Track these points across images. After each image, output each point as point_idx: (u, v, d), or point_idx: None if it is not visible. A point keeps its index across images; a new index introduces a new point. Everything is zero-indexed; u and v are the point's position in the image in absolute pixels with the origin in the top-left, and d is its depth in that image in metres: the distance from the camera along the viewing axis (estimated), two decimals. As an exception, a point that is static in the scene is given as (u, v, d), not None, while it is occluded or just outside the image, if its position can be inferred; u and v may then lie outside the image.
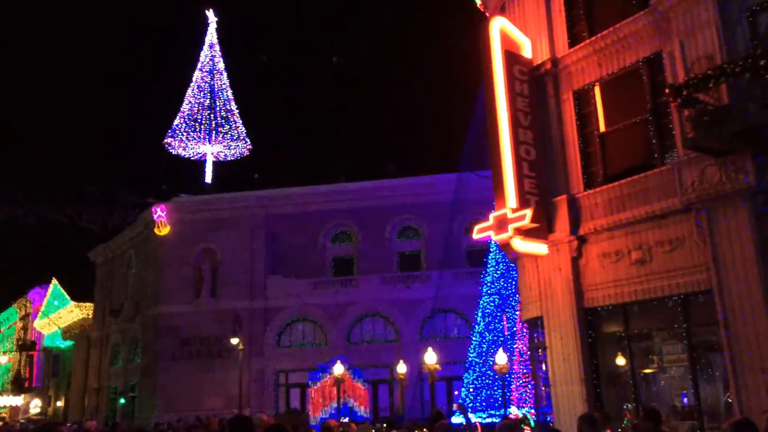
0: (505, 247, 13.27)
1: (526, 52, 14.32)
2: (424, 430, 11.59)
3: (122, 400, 37.27)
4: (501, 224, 12.86)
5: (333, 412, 23.37)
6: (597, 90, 13.31)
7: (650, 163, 12.04)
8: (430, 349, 23.61)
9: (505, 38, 13.90)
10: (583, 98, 13.55)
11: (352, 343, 32.72)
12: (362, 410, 24.49)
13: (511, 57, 13.80)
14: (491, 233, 13.13)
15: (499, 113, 13.42)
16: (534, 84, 13.98)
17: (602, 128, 13.15)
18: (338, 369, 24.62)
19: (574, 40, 13.87)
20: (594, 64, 13.18)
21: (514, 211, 12.75)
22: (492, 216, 13.17)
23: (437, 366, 23.27)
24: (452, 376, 31.14)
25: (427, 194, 34.05)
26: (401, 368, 28.02)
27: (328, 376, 25.06)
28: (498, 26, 13.86)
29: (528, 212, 12.53)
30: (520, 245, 12.90)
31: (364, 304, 32.94)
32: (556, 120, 13.71)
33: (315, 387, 25.32)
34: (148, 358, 34.70)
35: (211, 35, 44.01)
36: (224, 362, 31.95)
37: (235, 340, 29.70)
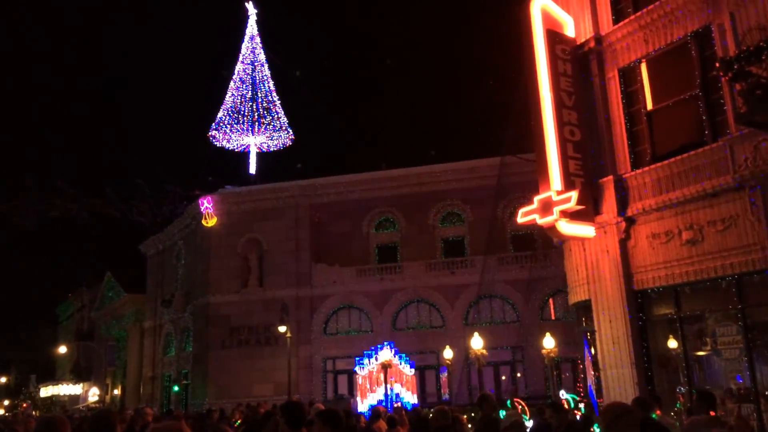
0: (550, 231, 13.09)
1: (569, 30, 14.03)
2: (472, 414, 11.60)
3: (176, 388, 38.30)
4: (546, 207, 12.69)
5: (381, 398, 23.52)
6: (643, 67, 12.96)
7: (700, 140, 11.70)
8: (476, 334, 23.54)
9: (547, 17, 13.64)
10: (628, 76, 13.22)
11: (397, 329, 32.87)
12: (410, 396, 24.56)
13: (554, 36, 13.54)
14: (536, 217, 12.97)
15: (542, 94, 13.21)
16: (577, 63, 13.70)
17: (649, 106, 12.82)
18: (385, 355, 24.74)
19: (618, 16, 13.52)
20: (640, 41, 12.83)
21: (559, 193, 12.56)
22: (536, 199, 13.00)
23: (484, 351, 23.19)
24: (499, 362, 31.06)
25: (470, 179, 33.84)
26: (447, 354, 28.06)
27: (375, 362, 25.18)
28: (539, 5, 13.62)
29: (574, 194, 12.32)
30: (566, 228, 12.71)
31: (409, 290, 33.03)
32: (601, 99, 13.42)
33: (362, 373, 25.48)
34: (199, 347, 35.55)
35: (252, 27, 44.43)
36: (272, 350, 32.50)
37: (282, 328, 30.16)
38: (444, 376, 31.22)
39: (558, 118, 13.01)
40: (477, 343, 23.96)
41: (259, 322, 33.53)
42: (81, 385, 55.86)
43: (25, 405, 55.84)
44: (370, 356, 26.11)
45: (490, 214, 31.11)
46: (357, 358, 28.56)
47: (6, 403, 72.37)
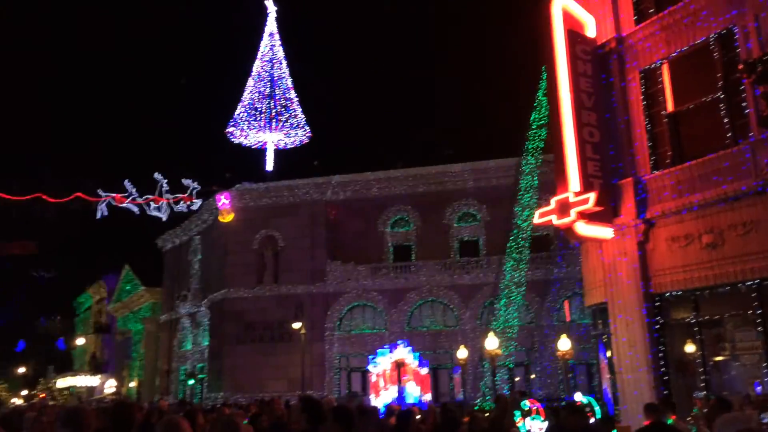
0: (567, 232, 13.02)
1: (590, 30, 13.93)
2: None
3: (191, 381, 38.58)
4: (563, 208, 12.62)
5: (396, 396, 23.56)
6: (665, 68, 12.85)
7: (722, 143, 11.58)
8: (491, 334, 23.44)
9: (568, 17, 13.56)
10: (650, 77, 13.10)
11: (411, 328, 32.87)
12: (423, 395, 24.57)
13: (574, 36, 13.45)
14: (553, 218, 12.90)
15: (561, 95, 13.13)
16: (598, 64, 13.60)
17: (670, 108, 12.70)
18: (398, 353, 24.79)
19: (640, 16, 13.41)
20: (662, 42, 12.72)
21: (577, 194, 12.48)
22: (554, 200, 12.93)
23: (498, 351, 23.11)
24: (512, 362, 30.93)
25: (487, 179, 33.71)
26: (461, 353, 27.99)
27: (389, 360, 25.22)
28: (560, 5, 13.53)
29: (592, 195, 12.25)
30: (584, 229, 12.63)
31: (423, 289, 33.00)
32: (621, 100, 13.32)
33: (375, 371, 25.54)
34: (215, 342, 35.78)
35: (271, 25, 44.57)
36: (286, 346, 32.61)
37: (296, 325, 30.28)
38: (457, 375, 31.16)
39: (577, 118, 12.93)
40: (491, 343, 23.87)
41: (274, 318, 33.66)
42: (98, 376, 56.44)
43: (42, 395, 56.54)
44: (383, 354, 26.18)
45: (507, 214, 30.97)
46: (370, 356, 28.65)
47: (24, 393, 73.28)
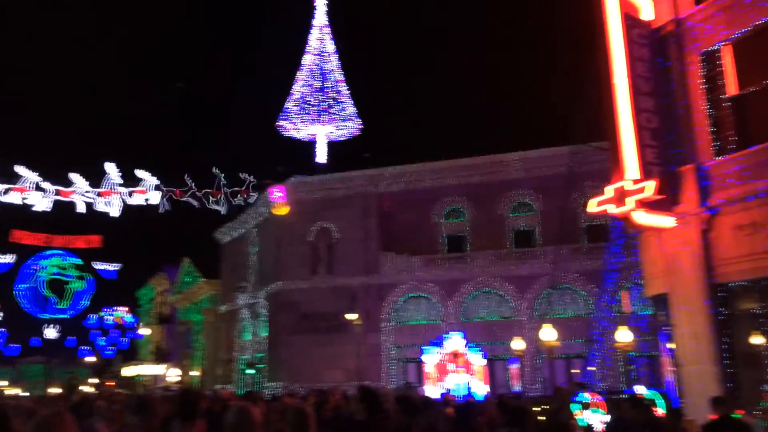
0: (625, 221, 12.71)
1: (646, 13, 13.52)
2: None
3: (251, 371, 39.47)
4: (620, 197, 12.33)
5: (451, 387, 23.54)
6: (726, 50, 12.36)
7: (790, 126, 11.09)
8: (548, 326, 23.16)
9: (623, 1, 13.19)
10: (710, 60, 12.64)
11: (467, 318, 32.78)
12: (479, 386, 24.47)
13: (630, 20, 13.09)
14: (609, 207, 12.62)
15: (616, 81, 12.81)
16: (655, 47, 13.20)
17: (733, 91, 12.22)
18: (454, 344, 24.75)
19: (699, -3, 12.94)
20: (723, 23, 12.24)
21: (635, 182, 12.17)
22: (610, 189, 12.64)
23: (556, 343, 22.82)
24: (571, 354, 30.49)
25: (541, 168, 33.22)
26: (517, 345, 27.77)
27: (444, 351, 25.21)
28: (615, -11, 13.17)
29: (651, 183, 11.92)
30: (643, 218, 12.31)
31: (478, 280, 32.84)
32: (679, 84, 12.90)
33: (431, 362, 25.57)
34: (272, 332, 36.51)
35: (320, 18, 44.86)
36: (342, 337, 32.99)
37: (351, 316, 30.60)
38: (514, 367, 30.91)
39: (635, 105, 12.59)
40: (548, 335, 23.59)
41: (329, 309, 34.07)
42: (162, 365, 58.38)
43: (110, 383, 58.89)
44: (438, 345, 26.17)
45: (562, 203, 30.44)
46: (425, 347, 28.72)
47: (93, 381, 76.36)
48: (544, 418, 10.92)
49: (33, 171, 23.29)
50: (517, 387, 29.61)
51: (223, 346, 44.72)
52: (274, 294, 36.41)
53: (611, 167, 12.91)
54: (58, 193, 23.95)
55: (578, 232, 32.48)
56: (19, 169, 23.06)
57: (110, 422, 5.82)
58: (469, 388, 24.02)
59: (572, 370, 30.67)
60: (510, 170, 33.85)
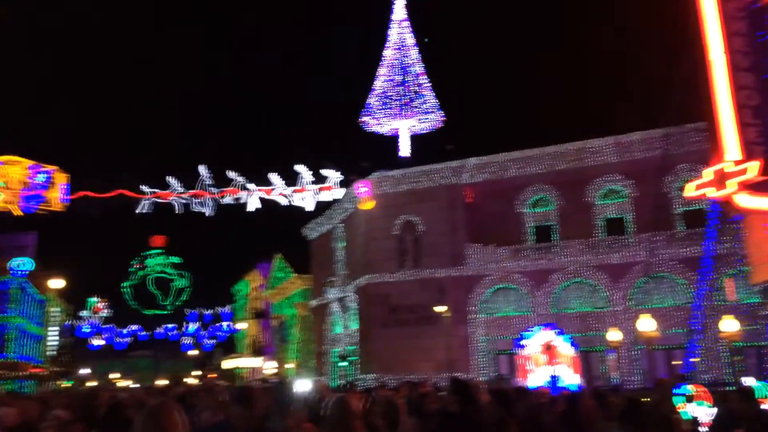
0: (727, 205, 12.07)
1: (744, -15, 12.74)
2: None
3: (343, 363, 40.28)
4: (721, 179, 11.72)
5: (546, 380, 23.14)
6: (837, 17, 11.48)
7: None
8: (646, 315, 22.33)
9: (717, -27, 12.49)
10: (817, 29, 11.77)
11: (558, 310, 32.09)
12: (573, 378, 23.92)
13: (726, -7, 12.39)
14: (709, 190, 12.02)
15: (712, 57, 12.17)
16: (753, 21, 12.42)
17: None
18: (546, 336, 24.30)
19: (803, -37, 12.06)
20: (831, -12, 11.37)
21: (736, 163, 11.54)
22: (709, 171, 12.04)
23: (655, 333, 21.97)
24: (670, 345, 29.30)
25: (632, 152, 32.01)
26: (613, 336, 26.96)
27: (536, 343, 24.81)
28: (708, -39, 12.50)
29: (755, 164, 11.27)
30: (746, 201, 11.65)
31: (568, 270, 32.07)
32: (784, 58, 12.08)
33: (523, 354, 25.23)
34: (362, 325, 37.08)
35: (399, 11, 44.93)
36: (431, 329, 33.05)
37: (440, 308, 30.59)
38: (610, 359, 30.01)
39: (733, 82, 11.93)
40: (646, 325, 22.74)
41: (417, 302, 34.22)
42: (259, 358, 60.57)
43: (212, 375, 61.73)
44: (530, 337, 25.79)
45: (655, 189, 29.19)
46: (516, 339, 28.36)
47: (196, 373, 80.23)
48: (645, 411, 10.56)
49: (133, 175, 24.72)
50: (614, 379, 28.76)
51: (315, 339, 45.84)
52: (363, 288, 36.95)
53: (710, 149, 12.29)
54: (157, 195, 25.33)
55: (673, 217, 31.12)
56: (122, 174, 24.56)
57: (214, 412, 6.15)
58: (562, 380, 23.53)
59: (673, 362, 29.45)
60: (599, 156, 32.78)
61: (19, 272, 49.11)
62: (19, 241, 56.40)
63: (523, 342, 26.06)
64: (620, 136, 32.37)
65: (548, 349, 24.60)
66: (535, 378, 23.83)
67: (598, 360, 31.07)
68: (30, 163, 23.23)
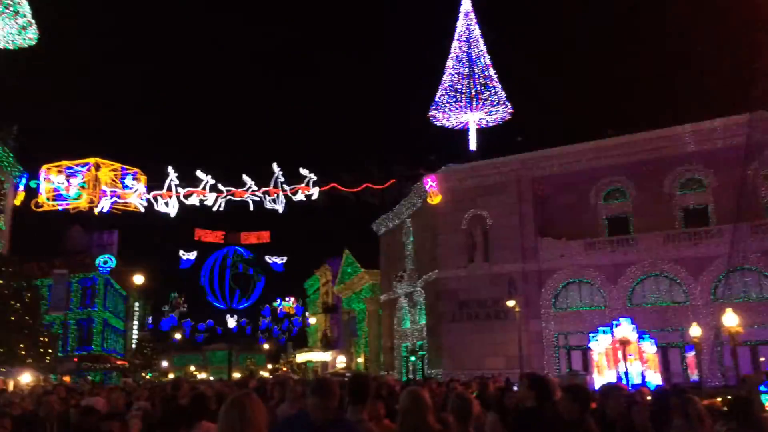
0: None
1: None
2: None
3: (413, 358, 40.39)
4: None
5: (620, 375, 22.48)
6: None
7: None
8: (729, 310, 21.36)
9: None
10: None
11: (634, 304, 31.09)
12: (652, 375, 23.14)
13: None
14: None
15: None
16: None
17: None
18: (622, 331, 23.58)
19: None
20: None
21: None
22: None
23: (739, 329, 21.00)
24: (755, 341, 27.95)
25: (712, 140, 30.66)
26: (694, 331, 25.95)
27: (611, 338, 24.11)
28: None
29: None
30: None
31: (645, 263, 31.01)
32: None
33: (597, 350, 24.58)
34: (432, 320, 37.02)
35: (466, 4, 44.51)
36: (502, 324, 32.63)
37: (511, 303, 30.15)
38: (690, 355, 28.87)
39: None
40: (730, 320, 21.74)
41: (487, 297, 33.88)
42: (329, 352, 61.51)
43: (285, 369, 63.15)
44: (605, 332, 25.12)
45: (739, 177, 27.81)
46: (590, 334, 27.69)
47: (269, 366, 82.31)
48: (728, 410, 10.10)
49: (209, 174, 25.50)
50: (694, 376, 27.69)
51: (385, 334, 46.12)
52: (432, 282, 36.87)
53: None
54: (232, 193, 26.06)
55: (759, 207, 29.52)
56: (198, 173, 25.38)
57: (291, 404, 6.28)
58: (640, 377, 22.82)
59: (760, 359, 28.09)
60: (677, 145, 31.53)
61: (104, 269, 51.65)
62: (103, 240, 59.35)
63: (597, 337, 25.40)
64: (699, 123, 31.04)
65: (624, 345, 23.87)
66: (611, 375, 23.19)
67: (677, 357, 29.96)
68: (117, 165, 24.36)
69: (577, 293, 33.10)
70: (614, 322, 25.65)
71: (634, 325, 24.59)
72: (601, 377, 23.22)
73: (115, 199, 24.74)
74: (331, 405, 4.13)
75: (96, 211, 24.62)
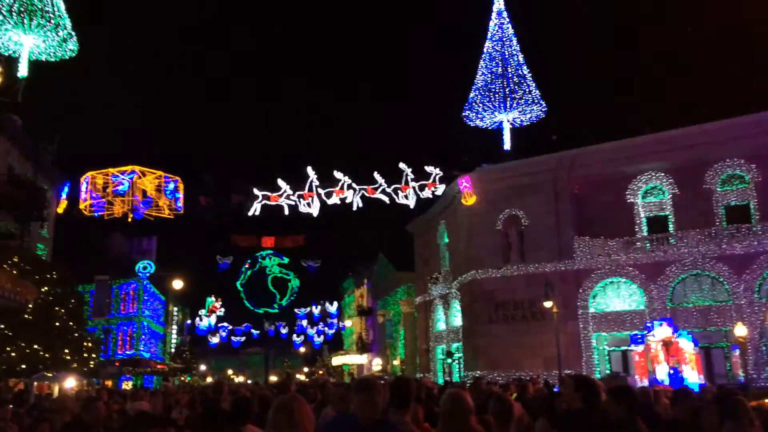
0: None
1: None
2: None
3: (449, 360, 40.19)
4: None
5: (664, 377, 22.03)
6: None
7: None
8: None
9: None
10: None
11: (675, 304, 30.43)
12: (694, 376, 22.63)
13: None
14: None
15: None
16: None
17: None
18: (663, 332, 23.12)
19: None
20: None
21: None
22: None
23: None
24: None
25: (754, 135, 29.84)
26: (740, 331, 25.31)
27: (652, 339, 23.64)
28: None
29: None
30: None
31: (685, 262, 30.35)
32: None
33: (638, 350, 24.13)
34: (468, 322, 36.78)
35: (498, 3, 44.17)
36: (539, 325, 32.25)
37: (548, 304, 29.78)
38: (735, 355, 28.14)
39: None
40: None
41: (524, 298, 33.53)
42: (365, 355, 61.59)
43: (321, 372, 63.45)
44: (645, 333, 24.67)
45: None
46: (630, 335, 27.19)
47: (305, 369, 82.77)
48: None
49: (244, 178, 25.88)
50: (740, 376, 26.98)
51: (420, 336, 46.01)
52: (467, 284, 36.64)
53: None
54: (267, 198, 26.34)
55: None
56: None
57: (335, 406, 6.30)
58: (682, 378, 22.34)
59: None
60: (717, 140, 30.75)
61: (143, 274, 52.66)
62: (142, 246, 60.55)
63: (638, 338, 24.96)
64: (741, 117, 30.26)
65: (665, 345, 23.41)
66: (652, 376, 22.75)
67: (720, 357, 29.26)
68: (160, 173, 24.88)
69: (616, 293, 32.57)
70: (655, 322, 25.18)
71: (674, 325, 24.08)
72: (644, 379, 22.78)
73: (152, 205, 25.21)
74: (378, 401, 4.13)
75: (129, 217, 25.14)
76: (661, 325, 23.87)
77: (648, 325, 25.34)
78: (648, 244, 31.67)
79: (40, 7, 33.08)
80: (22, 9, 32.57)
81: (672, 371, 22.51)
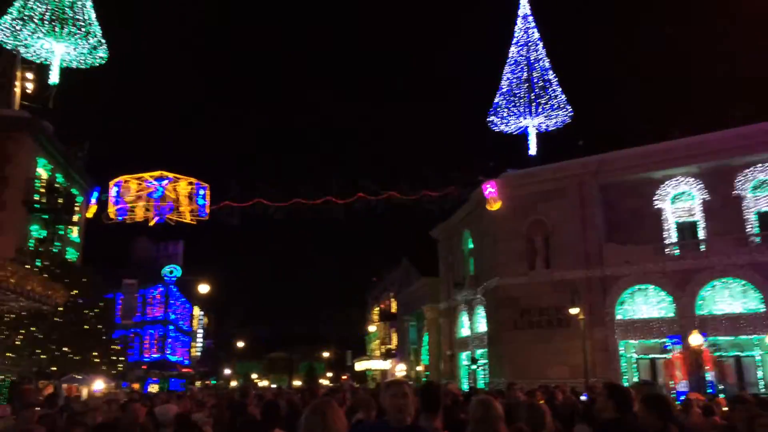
0: None
1: None
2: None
3: (473, 366, 39.95)
4: None
5: (693, 386, 21.65)
6: None
7: None
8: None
9: None
10: None
11: (705, 312, 29.87)
12: (727, 385, 22.21)
13: None
14: None
15: None
16: None
17: None
18: (694, 340, 22.73)
19: None
20: None
21: None
22: None
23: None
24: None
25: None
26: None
27: (681, 347, 23.27)
28: None
29: None
30: None
31: (716, 269, 29.75)
32: None
33: (667, 359, 23.76)
34: (493, 328, 36.55)
35: (524, 7, 43.97)
36: (565, 332, 31.91)
37: (574, 311, 29.45)
38: (768, 364, 27.56)
39: None
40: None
41: (549, 304, 33.22)
42: (389, 361, 61.50)
43: (345, 377, 63.44)
44: (674, 340, 24.29)
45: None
46: (659, 342, 26.76)
47: (329, 374, 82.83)
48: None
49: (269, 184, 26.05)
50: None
51: (444, 342, 45.82)
52: (492, 290, 36.41)
53: None
54: (291, 202, 26.49)
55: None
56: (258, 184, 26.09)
57: (365, 411, 6.30)
58: (713, 387, 21.93)
59: None
60: (748, 144, 30.18)
61: (170, 278, 53.26)
62: (168, 250, 61.27)
63: (666, 346, 24.57)
64: (772, 121, 29.66)
65: (696, 353, 23.00)
66: (682, 384, 22.37)
67: (752, 365, 28.64)
68: (191, 179, 25.24)
69: (644, 300, 32.08)
70: (685, 329, 24.77)
71: (704, 333, 23.67)
72: (673, 388, 22.41)
73: (176, 210, 25.51)
74: (408, 398, 4.14)
75: (151, 222, 25.48)
76: (691, 333, 23.47)
77: (676, 332, 24.94)
78: (677, 251, 31.17)
79: (71, 15, 33.75)
80: (54, 17, 33.25)
81: (701, 380, 22.11)
